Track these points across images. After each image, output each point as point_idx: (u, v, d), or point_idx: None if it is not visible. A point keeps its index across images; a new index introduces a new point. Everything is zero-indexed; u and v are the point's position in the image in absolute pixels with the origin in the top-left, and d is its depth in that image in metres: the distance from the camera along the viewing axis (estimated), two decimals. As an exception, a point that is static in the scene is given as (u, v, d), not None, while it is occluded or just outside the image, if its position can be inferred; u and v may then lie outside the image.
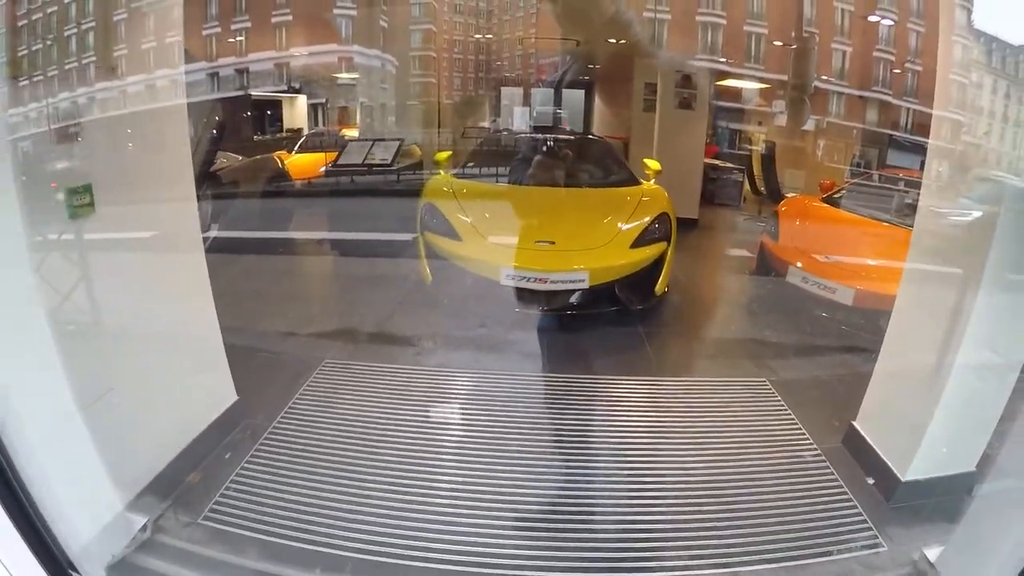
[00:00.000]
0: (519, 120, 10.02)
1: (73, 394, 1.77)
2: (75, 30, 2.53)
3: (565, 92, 9.66)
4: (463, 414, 2.79)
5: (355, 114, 11.96)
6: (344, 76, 11.37)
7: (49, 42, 2.47)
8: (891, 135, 10.94)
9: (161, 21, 2.38)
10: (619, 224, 3.92)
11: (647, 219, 3.96)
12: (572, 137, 5.54)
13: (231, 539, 2.00)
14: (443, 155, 4.95)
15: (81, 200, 2.01)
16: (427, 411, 2.79)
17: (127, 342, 2.09)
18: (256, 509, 2.12)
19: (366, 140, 6.28)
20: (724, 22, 12.75)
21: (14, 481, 1.52)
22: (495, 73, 15.72)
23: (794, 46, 9.90)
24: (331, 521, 2.07)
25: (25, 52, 2.24)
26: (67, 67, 2.47)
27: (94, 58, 2.51)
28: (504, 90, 10.22)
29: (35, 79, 2.39)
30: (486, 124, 12.42)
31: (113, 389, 1.92)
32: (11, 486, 1.51)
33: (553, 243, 3.70)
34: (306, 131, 11.02)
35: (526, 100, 9.77)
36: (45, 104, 2.22)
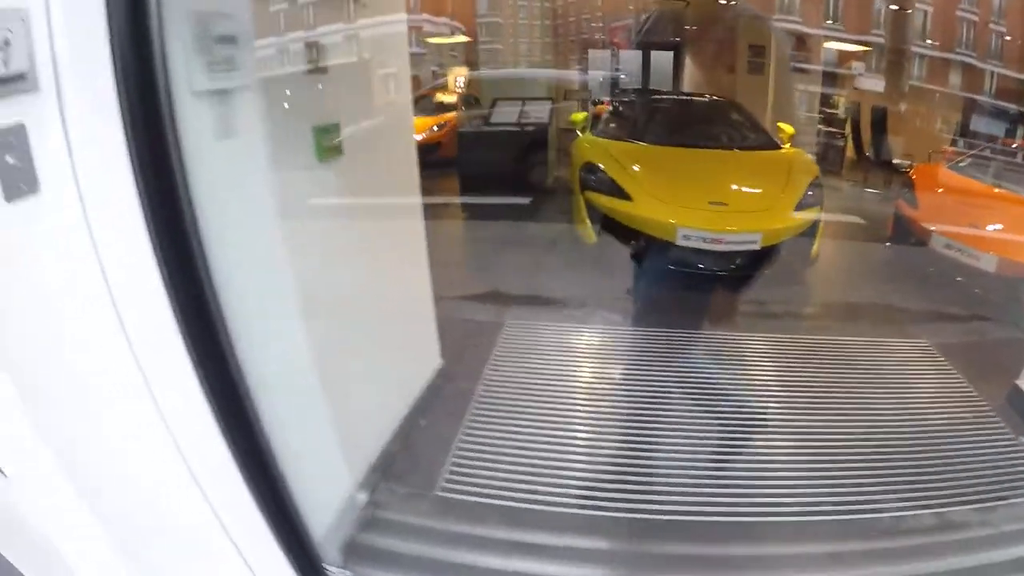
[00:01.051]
0: (596, 84, 9.97)
1: (315, 364, 1.62)
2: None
3: (653, 54, 9.53)
4: (645, 370, 2.85)
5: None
6: (444, 40, 11.24)
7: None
8: (976, 100, 10.59)
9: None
10: (782, 188, 3.97)
11: (805, 184, 4.01)
12: (707, 99, 5.53)
13: (467, 509, 1.99)
14: (580, 116, 5.00)
15: (330, 141, 1.86)
16: (616, 368, 2.90)
17: (353, 306, 1.98)
18: (486, 475, 2.13)
19: (516, 100, 6.22)
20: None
21: (269, 460, 1.29)
22: (566, 37, 15.43)
23: (895, 8, 9.59)
24: (555, 480, 2.12)
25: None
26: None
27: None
28: (591, 53, 10.14)
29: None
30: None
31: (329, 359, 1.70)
32: (266, 467, 1.28)
33: (725, 204, 3.76)
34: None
35: (614, 63, 9.69)
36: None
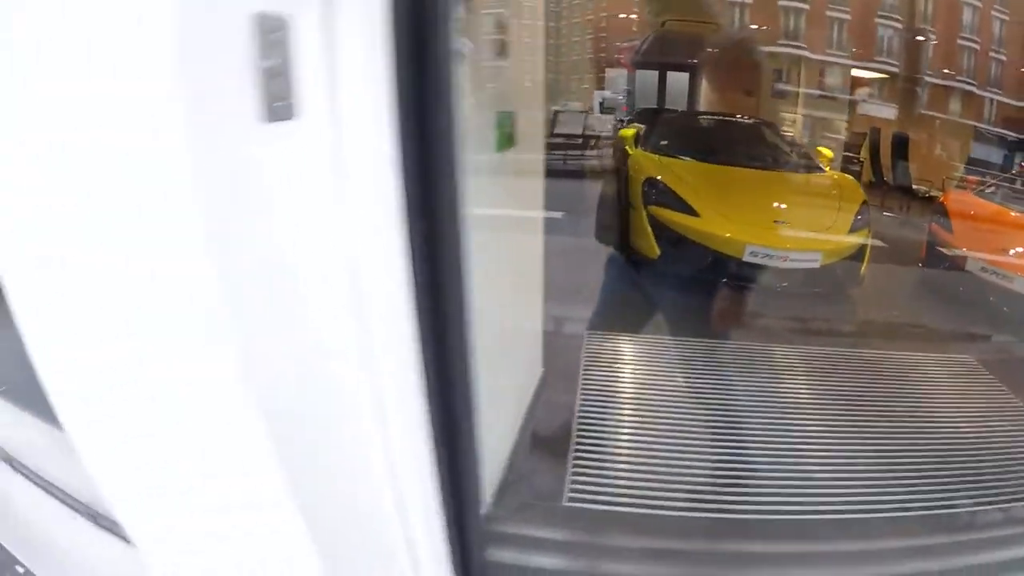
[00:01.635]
0: (596, 102, 10.11)
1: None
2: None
3: (670, 75, 9.68)
4: (722, 380, 2.93)
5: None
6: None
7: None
8: (978, 127, 10.83)
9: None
10: (836, 210, 4.11)
11: (855, 207, 4.17)
12: (749, 120, 5.66)
13: (597, 518, 2.00)
14: (629, 132, 5.09)
15: (507, 128, 1.74)
16: (700, 378, 2.94)
17: (496, 305, 1.83)
18: (607, 484, 2.15)
19: (579, 112, 6.31)
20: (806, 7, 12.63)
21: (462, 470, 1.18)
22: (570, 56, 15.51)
23: (898, 37, 9.85)
24: (673, 486, 2.16)
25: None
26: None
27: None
28: (608, 71, 10.30)
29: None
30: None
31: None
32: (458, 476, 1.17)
33: (787, 223, 3.89)
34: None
35: (631, 82, 9.84)
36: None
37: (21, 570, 1.85)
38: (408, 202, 0.85)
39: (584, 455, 2.30)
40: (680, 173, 4.31)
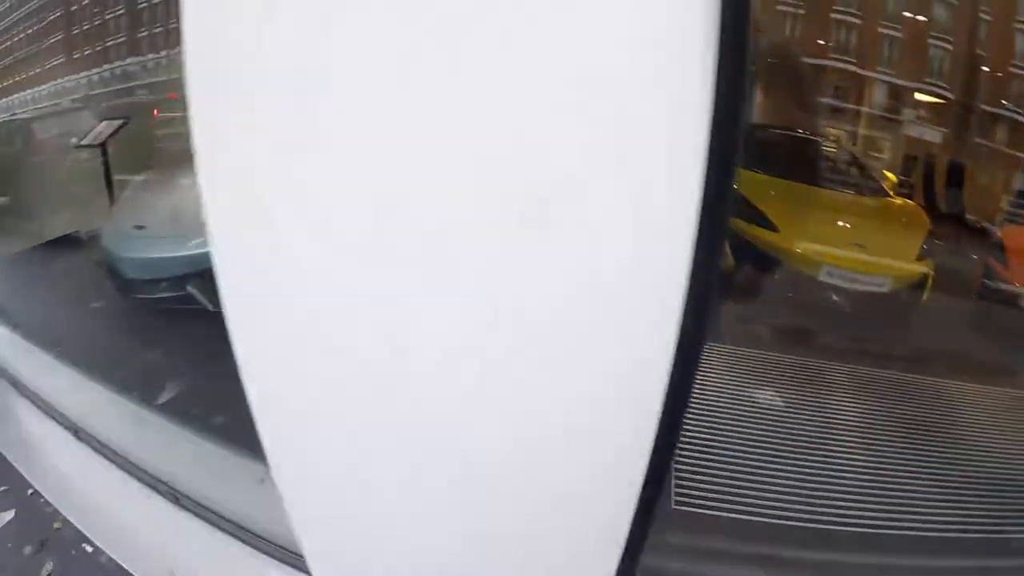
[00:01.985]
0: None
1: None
2: None
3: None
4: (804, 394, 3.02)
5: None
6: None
7: None
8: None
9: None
10: (904, 236, 4.20)
11: (922, 235, 4.26)
12: (821, 140, 5.71)
13: (708, 522, 2.07)
14: None
15: None
16: (783, 391, 3.05)
17: None
18: (711, 488, 2.23)
19: None
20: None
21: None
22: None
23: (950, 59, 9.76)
24: (769, 493, 2.25)
25: None
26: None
27: None
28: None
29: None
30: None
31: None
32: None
33: (862, 246, 3.96)
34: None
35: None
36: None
37: (90, 549, 1.86)
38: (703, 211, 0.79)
39: (683, 460, 2.39)
40: (757, 187, 4.39)
